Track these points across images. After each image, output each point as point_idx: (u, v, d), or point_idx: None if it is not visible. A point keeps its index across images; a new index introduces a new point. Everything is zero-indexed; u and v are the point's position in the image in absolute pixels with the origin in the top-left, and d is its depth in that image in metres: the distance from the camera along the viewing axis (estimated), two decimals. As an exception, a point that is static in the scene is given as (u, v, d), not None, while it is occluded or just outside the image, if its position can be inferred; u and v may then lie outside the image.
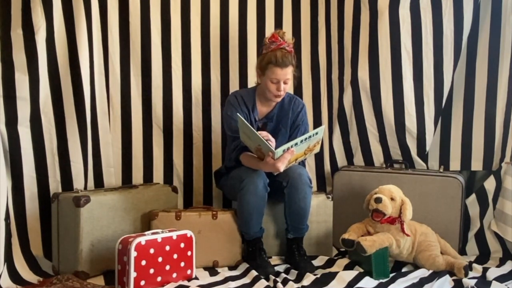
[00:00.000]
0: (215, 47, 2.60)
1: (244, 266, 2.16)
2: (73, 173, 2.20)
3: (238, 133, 2.10)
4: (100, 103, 2.37)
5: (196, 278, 2.03)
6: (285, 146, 1.96)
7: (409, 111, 2.50)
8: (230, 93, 2.49)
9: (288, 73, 2.18)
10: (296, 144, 1.97)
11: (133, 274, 1.83)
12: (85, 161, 2.24)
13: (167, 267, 1.93)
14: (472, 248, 2.41)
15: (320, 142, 2.08)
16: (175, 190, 2.45)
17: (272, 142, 2.04)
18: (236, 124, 2.08)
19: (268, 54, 2.20)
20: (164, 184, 2.53)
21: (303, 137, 1.98)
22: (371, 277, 1.98)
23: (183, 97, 2.57)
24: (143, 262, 1.85)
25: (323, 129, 2.03)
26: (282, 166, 1.97)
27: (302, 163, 2.30)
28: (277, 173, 2.05)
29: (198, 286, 1.92)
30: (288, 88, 2.24)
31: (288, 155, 1.96)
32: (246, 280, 2.00)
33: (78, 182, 2.21)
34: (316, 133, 2.00)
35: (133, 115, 2.50)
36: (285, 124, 2.30)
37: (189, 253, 2.01)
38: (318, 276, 2.01)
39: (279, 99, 2.26)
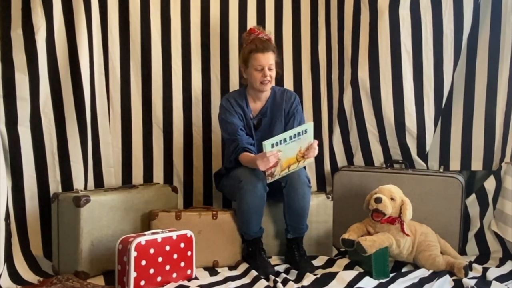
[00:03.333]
0: (215, 47, 2.60)
1: (244, 266, 2.16)
2: (73, 173, 2.20)
3: (236, 135, 2.14)
4: (100, 103, 2.37)
5: (196, 278, 2.03)
6: (273, 140, 1.95)
7: (409, 111, 2.50)
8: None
9: (270, 58, 2.20)
10: (285, 140, 1.95)
11: (133, 274, 1.83)
12: (85, 161, 2.24)
13: (167, 267, 1.93)
14: (472, 248, 2.41)
15: (316, 149, 2.04)
16: (175, 190, 2.45)
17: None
18: (232, 126, 2.10)
19: (248, 45, 2.24)
20: (164, 184, 2.53)
21: (291, 133, 1.97)
22: (371, 277, 1.99)
23: (183, 97, 2.57)
24: (143, 262, 1.85)
25: (311, 125, 2.01)
26: (261, 164, 1.96)
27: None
28: (268, 175, 2.03)
29: (198, 286, 1.92)
30: (274, 75, 2.24)
31: (273, 158, 1.95)
32: (246, 280, 2.00)
33: (78, 182, 2.21)
34: (305, 131, 1.99)
35: (133, 115, 2.50)
36: (280, 116, 2.31)
37: (189, 253, 2.01)
38: (318, 276, 2.01)
39: (267, 87, 2.25)
